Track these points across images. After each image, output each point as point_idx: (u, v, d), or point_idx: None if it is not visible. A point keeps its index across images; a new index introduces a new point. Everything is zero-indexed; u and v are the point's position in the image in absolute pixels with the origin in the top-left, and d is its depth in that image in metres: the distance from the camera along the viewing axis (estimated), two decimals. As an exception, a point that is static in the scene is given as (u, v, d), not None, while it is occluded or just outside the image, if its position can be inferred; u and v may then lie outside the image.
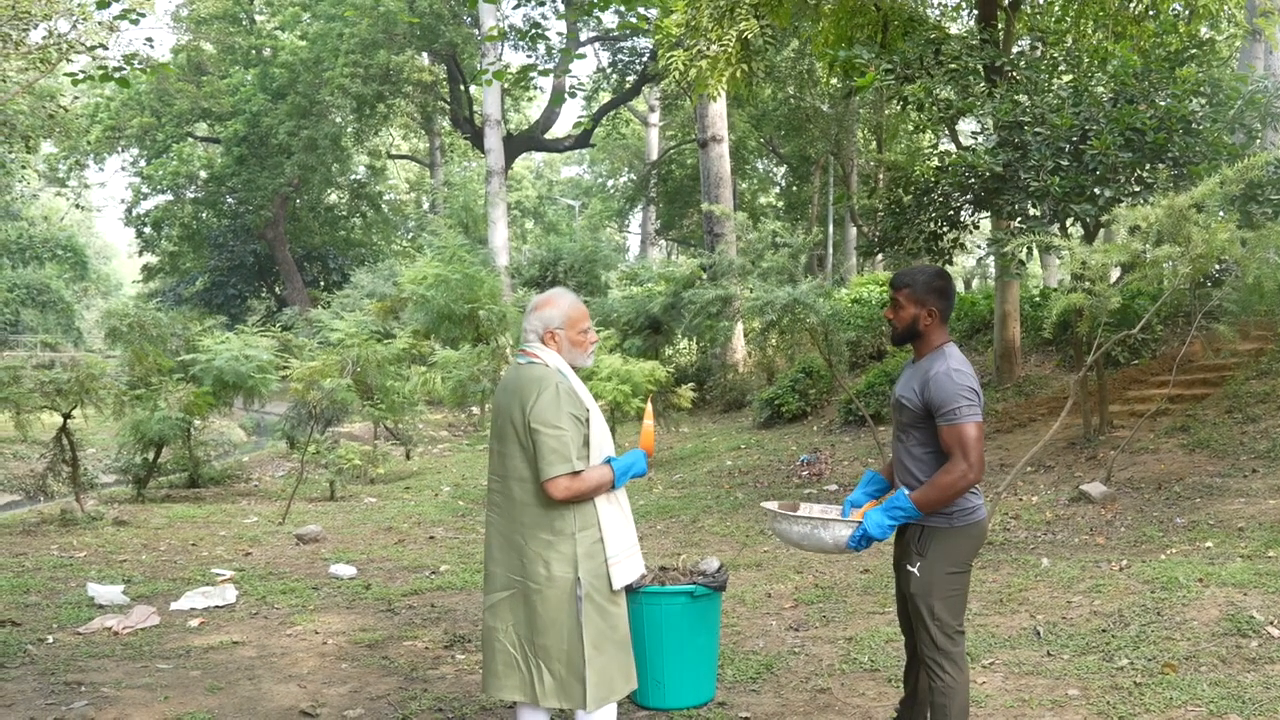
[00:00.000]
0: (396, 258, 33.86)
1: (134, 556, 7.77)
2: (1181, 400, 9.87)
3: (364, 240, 37.60)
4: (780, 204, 31.98)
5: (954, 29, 12.94)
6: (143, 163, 33.51)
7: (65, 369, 9.69)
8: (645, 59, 27.73)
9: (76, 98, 29.48)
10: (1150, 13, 11.16)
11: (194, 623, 5.82)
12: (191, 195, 34.52)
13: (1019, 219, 8.88)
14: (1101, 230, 8.97)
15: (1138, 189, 8.27)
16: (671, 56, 11.24)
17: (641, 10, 9.00)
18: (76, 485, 9.62)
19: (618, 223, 41.78)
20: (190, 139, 33.24)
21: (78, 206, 37.71)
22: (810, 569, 6.77)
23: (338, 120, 30.95)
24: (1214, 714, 3.91)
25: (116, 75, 8.35)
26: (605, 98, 32.08)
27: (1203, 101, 8.96)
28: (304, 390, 11.50)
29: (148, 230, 35.05)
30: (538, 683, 3.19)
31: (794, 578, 6.59)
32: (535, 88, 33.36)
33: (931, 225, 9.50)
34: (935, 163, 9.78)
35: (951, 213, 9.41)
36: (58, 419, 9.57)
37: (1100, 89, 8.72)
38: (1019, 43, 11.28)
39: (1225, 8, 12.00)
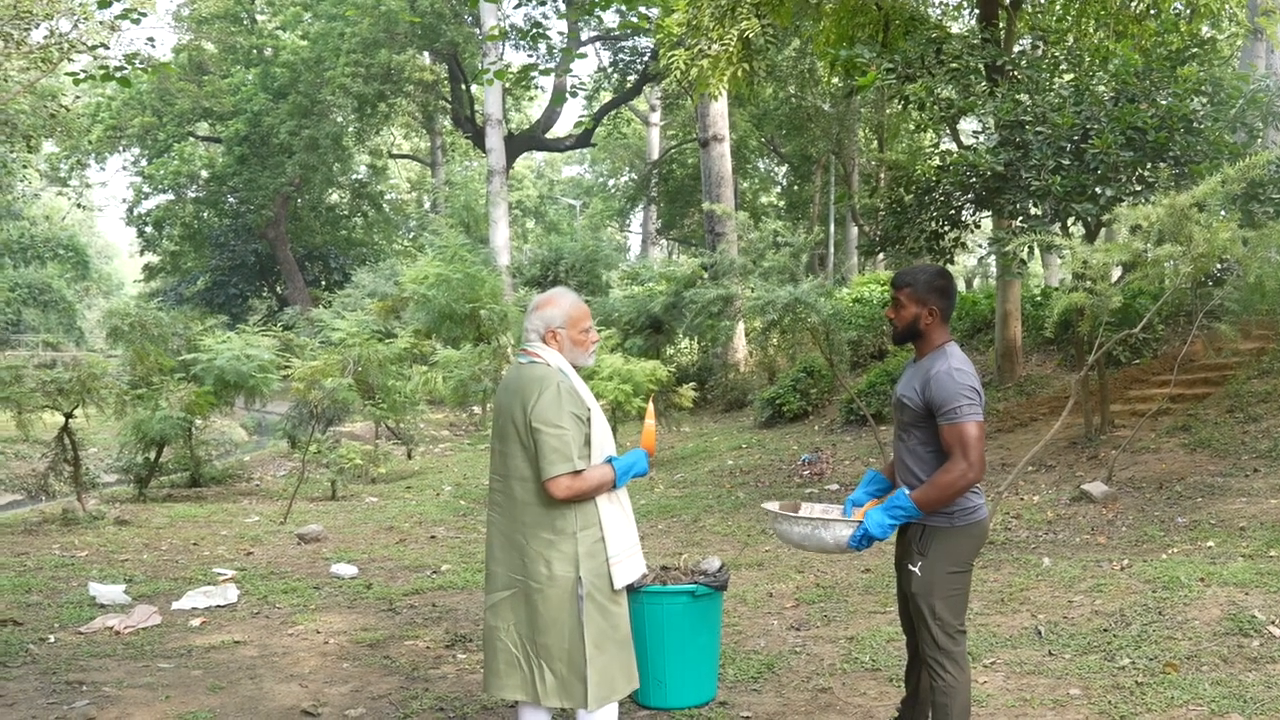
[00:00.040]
0: (398, 257, 33.88)
1: (135, 556, 7.77)
2: (1183, 400, 9.86)
3: (365, 240, 37.61)
4: (781, 203, 31.98)
5: (955, 28, 12.94)
6: (144, 162, 33.52)
7: (67, 368, 9.70)
8: (646, 58, 27.73)
9: (78, 97, 29.49)
10: (1151, 12, 11.15)
11: (195, 622, 5.82)
12: (193, 195, 34.52)
13: (1020, 218, 8.87)
14: (1103, 229, 8.96)
15: (1139, 188, 8.26)
16: (673, 56, 11.24)
17: (642, 9, 9.00)
18: (78, 485, 9.63)
19: (619, 222, 41.78)
20: (191, 138, 33.25)
21: (79, 206, 37.69)
22: (811, 568, 6.77)
23: (339, 120, 30.96)
24: (1216, 713, 3.91)
25: (118, 75, 8.36)
26: (606, 97, 32.08)
27: (1204, 100, 8.95)
28: (305, 390, 11.50)
29: (149, 230, 35.06)
30: (539, 682, 3.19)
31: (795, 577, 6.59)
32: (536, 87, 33.37)
33: (933, 224, 9.50)
34: (936, 162, 9.77)
35: (953, 212, 9.41)
36: (59, 418, 9.58)
37: (1101, 88, 8.72)
38: (1020, 42, 11.27)
39: (1226, 7, 12.00)
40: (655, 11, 11.25)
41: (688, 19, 11.10)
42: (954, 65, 8.95)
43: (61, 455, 9.64)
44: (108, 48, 13.97)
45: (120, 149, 32.94)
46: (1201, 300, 8.92)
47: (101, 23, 14.84)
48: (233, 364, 11.52)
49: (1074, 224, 8.83)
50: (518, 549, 3.22)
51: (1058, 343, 12.39)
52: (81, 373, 9.48)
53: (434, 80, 31.35)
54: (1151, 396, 10.06)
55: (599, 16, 25.51)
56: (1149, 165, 8.19)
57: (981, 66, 9.36)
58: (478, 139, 28.92)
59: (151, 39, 11.04)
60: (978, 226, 9.94)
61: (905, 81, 9.07)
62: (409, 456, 14.97)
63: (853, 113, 22.22)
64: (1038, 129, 8.21)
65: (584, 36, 29.45)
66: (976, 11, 11.35)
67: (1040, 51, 10.35)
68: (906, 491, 3.20)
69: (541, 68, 9.16)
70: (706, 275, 15.34)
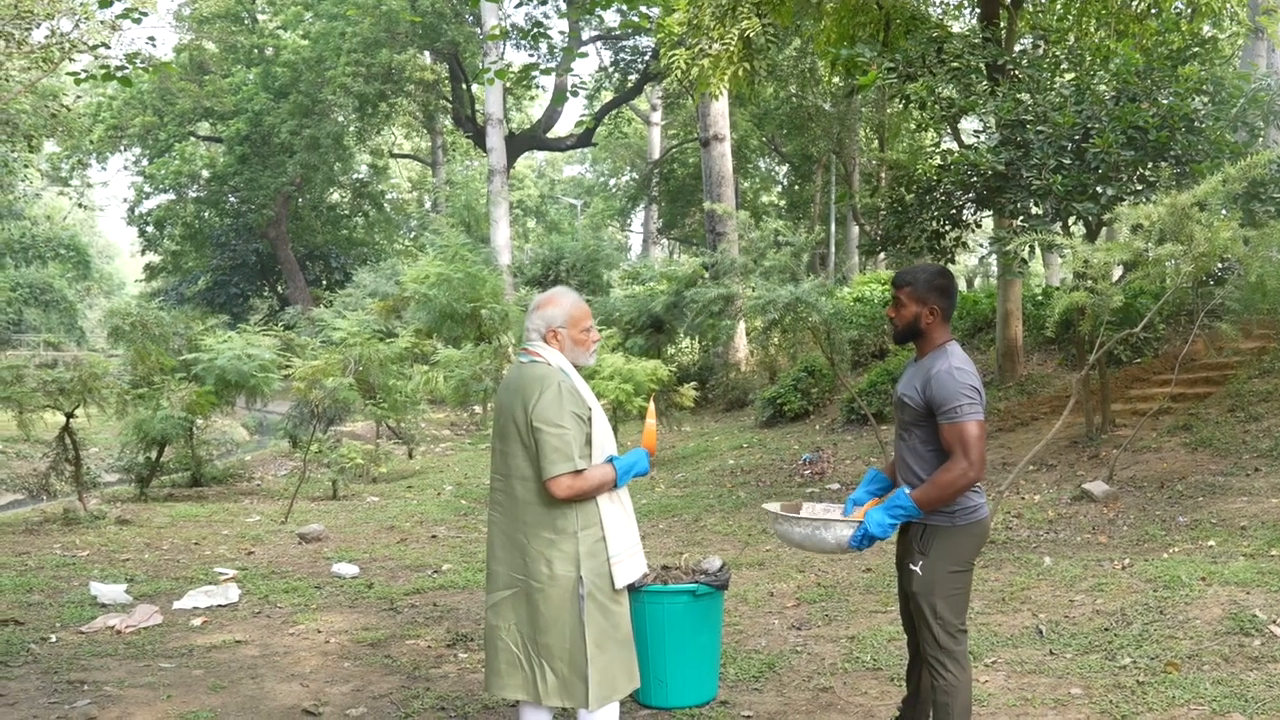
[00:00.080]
0: (399, 257, 33.89)
1: (137, 555, 7.78)
2: (1184, 399, 9.86)
3: (366, 239, 37.63)
4: (782, 203, 31.97)
5: (956, 27, 12.92)
6: (145, 162, 33.54)
7: (68, 368, 9.71)
8: (647, 58, 27.74)
9: (79, 97, 29.51)
10: (1152, 11, 11.15)
11: (196, 622, 5.83)
12: (194, 194, 34.54)
13: (1021, 217, 8.87)
14: (1104, 229, 8.96)
15: (1140, 187, 8.26)
16: (673, 55, 11.24)
17: (643, 9, 9.00)
18: (79, 484, 9.64)
19: (620, 222, 41.80)
20: (192, 138, 33.27)
21: (80, 206, 37.69)
22: (812, 568, 6.77)
23: (340, 119, 30.98)
24: (1217, 713, 3.91)
25: (119, 74, 8.35)
26: (607, 96, 32.09)
27: (1205, 100, 8.95)
28: (306, 389, 11.51)
29: (150, 229, 35.08)
30: (540, 681, 3.19)
31: (796, 576, 6.59)
32: (537, 86, 33.39)
33: (934, 224, 9.49)
34: (937, 161, 9.77)
35: (954, 211, 9.40)
36: (60, 418, 9.59)
37: (1102, 87, 8.71)
38: (1021, 41, 11.27)
39: (1227, 6, 12.00)
40: (656, 11, 11.25)
41: (688, 18, 11.10)
42: (955, 64, 8.95)
43: (63, 455, 9.65)
44: (109, 47, 13.96)
45: (121, 149, 32.96)
46: (1203, 299, 8.92)
47: (102, 22, 14.84)
48: (234, 364, 11.53)
49: (1075, 223, 8.82)
50: (519, 548, 3.22)
51: (1059, 342, 12.39)
52: (83, 372, 9.49)
53: (435, 80, 31.36)
54: (1152, 396, 10.05)
55: (600, 16, 25.48)
56: (1150, 164, 8.19)
57: (982, 66, 9.36)
58: (478, 138, 28.94)
59: (152, 38, 11.03)
60: (979, 226, 9.94)
61: (906, 81, 9.07)
62: (410, 456, 14.98)
63: (854, 112, 22.21)
64: (1039, 128, 8.21)
65: (585, 36, 29.46)
66: (977, 11, 11.35)
67: (1041, 51, 10.34)
68: (907, 491, 3.20)
69: (542, 67, 9.19)
70: (707, 275, 15.35)
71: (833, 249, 24.98)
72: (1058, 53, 10.21)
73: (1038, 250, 13.02)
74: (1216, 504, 7.19)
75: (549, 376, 3.19)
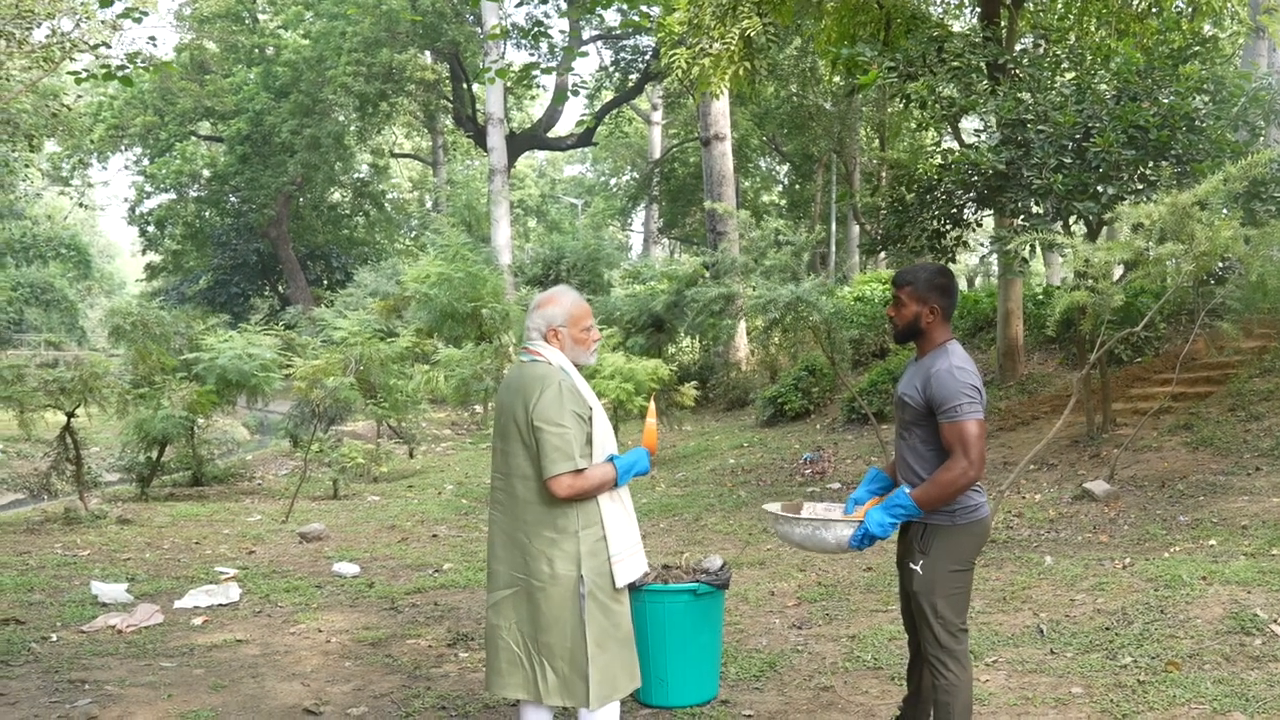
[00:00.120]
0: (399, 256, 33.92)
1: (138, 555, 7.78)
2: (1185, 398, 9.85)
3: (367, 239, 37.65)
4: (783, 202, 31.98)
5: (957, 27, 12.92)
6: (146, 161, 33.56)
7: (69, 368, 9.71)
8: (648, 57, 27.74)
9: (80, 96, 29.52)
10: (1153, 10, 11.14)
11: (197, 621, 5.83)
12: (194, 194, 34.56)
13: (1022, 217, 8.86)
14: (1104, 228, 8.95)
15: (1141, 186, 8.25)
16: (674, 54, 11.23)
17: (644, 8, 9.00)
18: (80, 484, 9.64)
19: (620, 221, 41.79)
20: (193, 138, 33.28)
21: (81, 205, 37.71)
22: (813, 567, 6.77)
23: (340, 119, 30.98)
24: (1218, 712, 3.91)
25: (119, 74, 8.36)
26: (608, 96, 32.09)
27: (1206, 99, 8.94)
28: (307, 389, 11.51)
29: (151, 229, 35.09)
30: (541, 681, 3.19)
31: (797, 576, 6.59)
32: (538, 86, 33.39)
33: (934, 223, 9.49)
34: (938, 160, 9.76)
35: (954, 211, 9.40)
36: (61, 418, 9.59)
37: (1103, 86, 8.71)
38: (1022, 40, 11.27)
39: (1228, 5, 11.99)
40: (656, 10, 11.25)
41: (689, 17, 11.10)
42: (955, 64, 8.95)
43: (64, 454, 9.66)
44: (109, 47, 13.96)
45: (122, 148, 32.97)
46: (1203, 299, 8.91)
47: (103, 22, 14.84)
48: (235, 363, 11.53)
49: (1076, 222, 8.82)
50: (520, 547, 3.22)
51: (1059, 341, 12.39)
52: (84, 372, 9.49)
53: (435, 79, 31.37)
54: (1153, 395, 10.05)
55: (600, 15, 25.49)
56: (1151, 164, 8.18)
57: (983, 65, 9.36)
58: (479, 138, 28.94)
59: (153, 38, 11.03)
60: (979, 225, 9.94)
61: (907, 80, 9.06)
62: (411, 455, 14.98)
63: (854, 111, 22.22)
64: (1039, 127, 8.21)
65: (585, 35, 29.46)
66: (978, 10, 11.34)
67: (1042, 50, 10.35)
68: (907, 490, 3.20)
69: (543, 66, 9.17)
70: (708, 274, 15.35)
71: (833, 248, 24.98)
72: (1058, 52, 10.21)
73: (1038, 249, 13.01)
74: (1217, 503, 7.19)
75: (550, 375, 3.19)
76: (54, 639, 5.43)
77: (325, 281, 34.73)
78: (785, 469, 11.12)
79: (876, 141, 23.71)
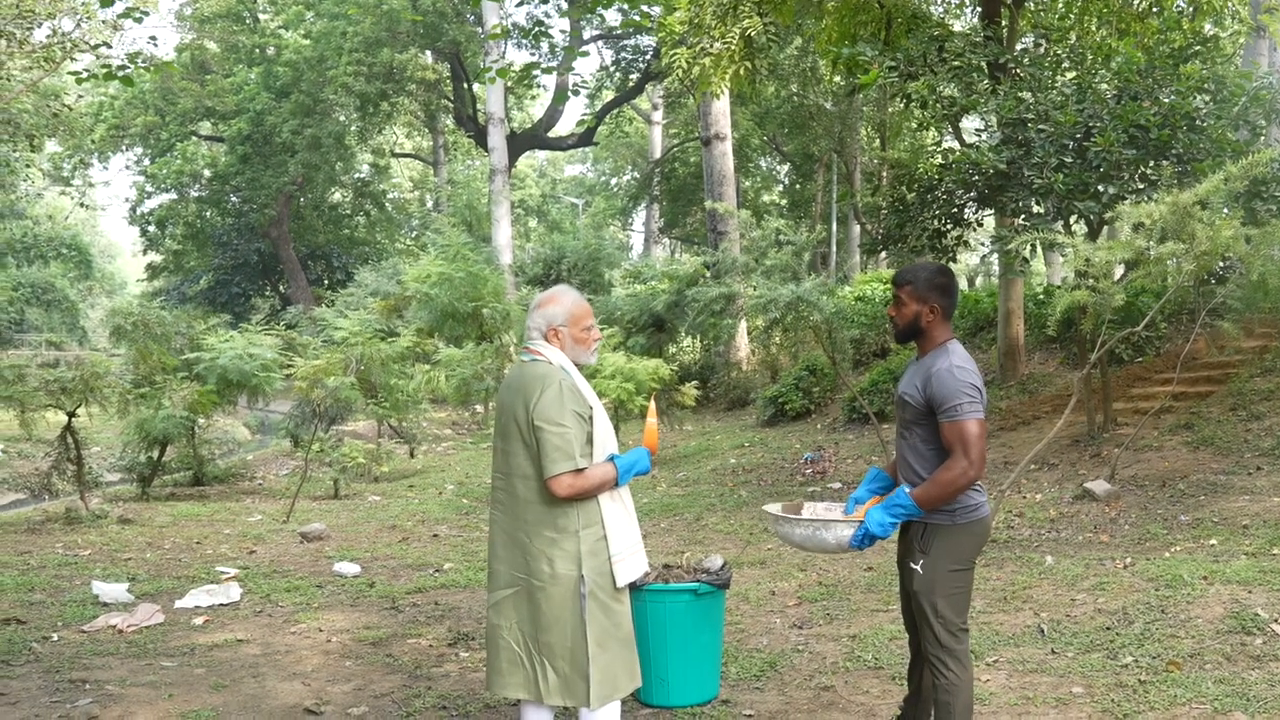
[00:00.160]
0: (400, 256, 33.92)
1: (138, 555, 7.79)
2: (1186, 398, 9.85)
3: (368, 239, 37.66)
4: (784, 202, 31.97)
5: (957, 26, 12.92)
6: (147, 161, 33.56)
7: (70, 367, 9.72)
8: (648, 57, 27.74)
9: (80, 96, 29.52)
10: (1154, 9, 11.14)
11: (198, 621, 5.83)
12: (195, 194, 34.58)
13: (1023, 216, 8.86)
14: (1105, 227, 8.95)
15: (1142, 186, 8.25)
16: (675, 54, 11.23)
17: (644, 8, 8.99)
18: (81, 484, 9.64)
19: (621, 221, 41.80)
20: (194, 138, 33.30)
21: (82, 205, 37.71)
22: (814, 567, 6.77)
23: (341, 119, 30.99)
24: (1219, 711, 3.91)
25: (120, 74, 8.37)
26: (608, 96, 32.10)
27: (1207, 98, 8.93)
28: (308, 388, 11.51)
29: (152, 229, 35.10)
30: (541, 680, 3.19)
31: (798, 575, 6.59)
32: (538, 86, 33.41)
33: (935, 223, 9.49)
34: (939, 160, 9.76)
35: (955, 210, 9.40)
36: (62, 417, 9.60)
37: (1104, 86, 8.70)
38: (1022, 40, 11.26)
39: (1229, 4, 11.98)
40: (657, 10, 11.24)
41: (689, 17, 11.09)
42: (956, 63, 8.94)
43: (65, 454, 9.66)
44: (110, 47, 13.96)
45: (123, 148, 32.99)
46: (1204, 298, 8.90)
47: (104, 22, 14.84)
48: (235, 363, 11.54)
49: (1076, 222, 8.82)
50: (520, 547, 3.22)
51: (1060, 341, 12.38)
52: (84, 372, 9.50)
53: (436, 79, 31.37)
54: (1154, 394, 10.04)
55: (601, 15, 25.48)
56: (1151, 163, 8.18)
57: (984, 64, 9.36)
58: (480, 138, 28.95)
59: (154, 38, 11.05)
60: (980, 225, 9.94)
61: (907, 80, 9.06)
62: (411, 455, 14.98)
63: (855, 111, 22.21)
64: (1040, 127, 8.20)
65: (586, 35, 29.46)
66: (979, 9, 11.34)
67: (1043, 49, 10.34)
68: (907, 490, 3.20)
69: (543, 66, 9.17)
70: (709, 274, 15.35)
71: (834, 248, 24.98)
72: (1059, 51, 10.20)
73: (1039, 249, 13.00)
74: (1218, 503, 7.19)
75: (550, 375, 3.19)
76: (55, 639, 5.44)
77: (326, 281, 34.74)
78: (786, 469, 11.12)
79: (877, 141, 23.70)
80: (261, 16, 33.69)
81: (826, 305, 9.43)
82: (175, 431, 10.90)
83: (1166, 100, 8.20)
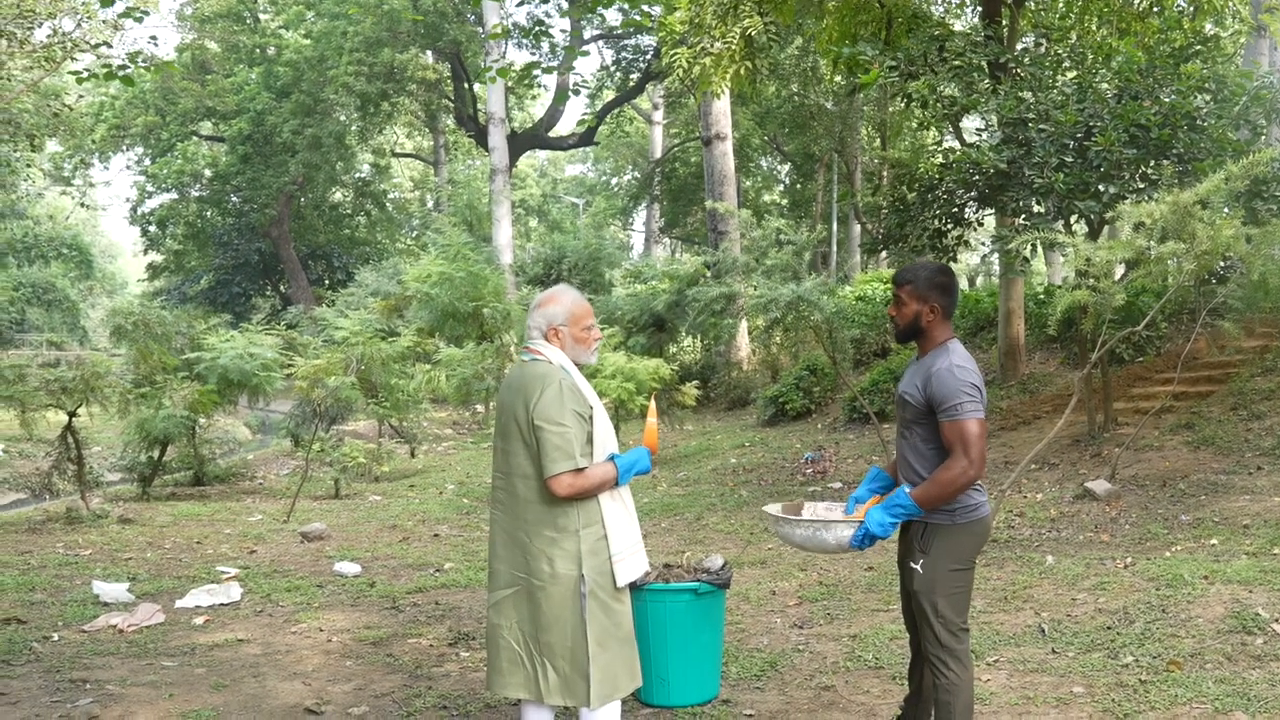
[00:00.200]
0: (401, 256, 33.92)
1: (139, 554, 7.79)
2: (1186, 397, 9.85)
3: (368, 238, 37.67)
4: (784, 201, 31.98)
5: (958, 26, 12.92)
6: (147, 161, 33.57)
7: (70, 367, 9.72)
8: (649, 56, 27.74)
9: (81, 96, 29.53)
10: (1154, 9, 11.14)
11: (199, 620, 5.83)
12: (196, 194, 34.59)
13: (1023, 216, 8.86)
14: (1106, 227, 8.94)
15: (1142, 185, 8.25)
16: (675, 54, 11.23)
17: (645, 7, 8.99)
18: (82, 483, 9.65)
19: (622, 220, 41.82)
20: (195, 137, 33.32)
21: (83, 205, 37.76)
22: (814, 566, 6.77)
23: (342, 118, 30.99)
24: (1219, 711, 3.91)
25: (121, 74, 8.37)
26: (609, 95, 32.10)
27: (1207, 98, 8.93)
28: (309, 388, 11.52)
29: (152, 229, 35.12)
30: (542, 680, 3.19)
31: (798, 575, 6.59)
32: (539, 85, 33.42)
33: (935, 222, 9.49)
34: (939, 160, 9.76)
35: (956, 210, 9.40)
36: (63, 417, 9.60)
37: (1105, 85, 8.70)
38: (1023, 39, 11.26)
39: (1230, 4, 11.97)
40: (658, 9, 11.24)
41: (690, 17, 11.09)
42: (957, 63, 8.94)
43: (65, 454, 9.66)
44: (111, 46, 13.96)
45: (124, 148, 33.00)
46: (1205, 298, 8.90)
47: (104, 21, 14.85)
48: (236, 363, 11.54)
49: (1077, 221, 8.82)
50: (520, 547, 3.22)
51: (1061, 340, 12.38)
52: (85, 371, 9.50)
53: (437, 79, 31.37)
54: (1155, 394, 10.04)
55: (601, 15, 25.49)
56: (1152, 163, 8.18)
57: (984, 64, 9.35)
58: (480, 138, 28.95)
59: (154, 38, 11.04)
60: (980, 224, 9.93)
61: (908, 79, 9.06)
62: (412, 455, 14.98)
63: (855, 111, 22.21)
64: (1041, 126, 8.20)
65: (586, 35, 29.46)
66: (979, 9, 11.34)
67: (1043, 49, 10.34)
68: (907, 489, 3.20)
69: (544, 66, 9.16)
70: (709, 273, 15.36)
71: (834, 248, 24.98)
72: (1060, 51, 10.20)
73: (1039, 249, 13.01)
74: (1219, 502, 7.19)
75: (550, 375, 3.19)
76: (55, 638, 5.44)
77: (327, 281, 34.75)
78: (787, 468, 11.12)
79: (878, 141, 23.70)
80: (262, 16, 33.70)
81: (827, 305, 9.43)
82: (176, 431, 10.90)
83: (1167, 100, 8.19)
